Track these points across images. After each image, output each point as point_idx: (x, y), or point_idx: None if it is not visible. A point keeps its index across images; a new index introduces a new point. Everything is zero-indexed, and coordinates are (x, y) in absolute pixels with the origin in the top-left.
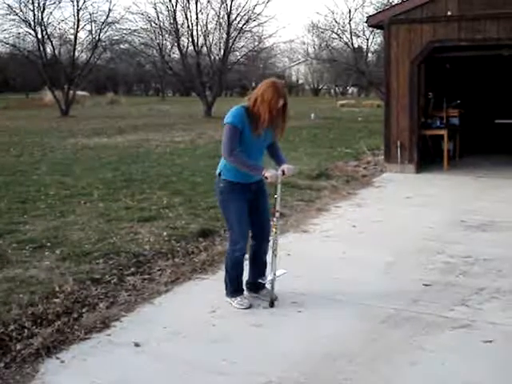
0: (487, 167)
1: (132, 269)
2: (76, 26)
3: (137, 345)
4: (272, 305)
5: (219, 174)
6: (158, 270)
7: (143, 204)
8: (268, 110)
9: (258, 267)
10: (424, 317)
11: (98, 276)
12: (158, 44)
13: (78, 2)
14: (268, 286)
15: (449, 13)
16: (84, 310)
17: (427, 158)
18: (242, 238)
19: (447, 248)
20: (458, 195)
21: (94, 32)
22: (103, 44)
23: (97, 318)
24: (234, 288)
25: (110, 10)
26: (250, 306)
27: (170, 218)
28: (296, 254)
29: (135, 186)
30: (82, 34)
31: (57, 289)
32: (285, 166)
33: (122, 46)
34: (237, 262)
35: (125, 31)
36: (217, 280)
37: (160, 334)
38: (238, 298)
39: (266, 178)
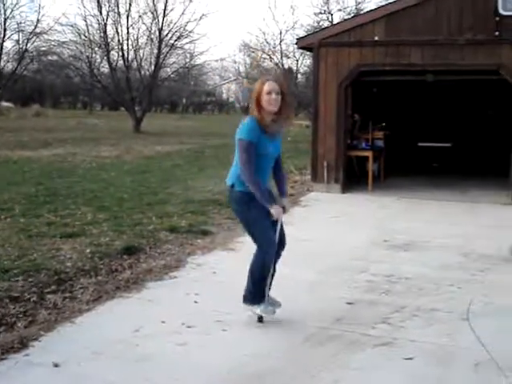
0: (410, 188)
1: (53, 286)
2: (2, 36)
3: (56, 365)
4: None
5: (232, 186)
6: (80, 288)
7: (67, 220)
8: (260, 101)
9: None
10: (347, 335)
11: (17, 294)
12: (88, 57)
13: (5, 11)
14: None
15: (376, 38)
16: (1, 330)
17: (353, 179)
18: (270, 243)
19: (371, 267)
20: (381, 215)
21: (21, 42)
22: (30, 55)
23: (14, 338)
24: (258, 294)
25: (38, 20)
26: (274, 313)
27: (93, 235)
28: (222, 271)
29: (59, 201)
30: (8, 44)
31: None
32: (285, 202)
33: (49, 58)
34: (266, 266)
35: (53, 42)
36: (141, 299)
37: (81, 354)
38: (262, 306)
39: (272, 214)
